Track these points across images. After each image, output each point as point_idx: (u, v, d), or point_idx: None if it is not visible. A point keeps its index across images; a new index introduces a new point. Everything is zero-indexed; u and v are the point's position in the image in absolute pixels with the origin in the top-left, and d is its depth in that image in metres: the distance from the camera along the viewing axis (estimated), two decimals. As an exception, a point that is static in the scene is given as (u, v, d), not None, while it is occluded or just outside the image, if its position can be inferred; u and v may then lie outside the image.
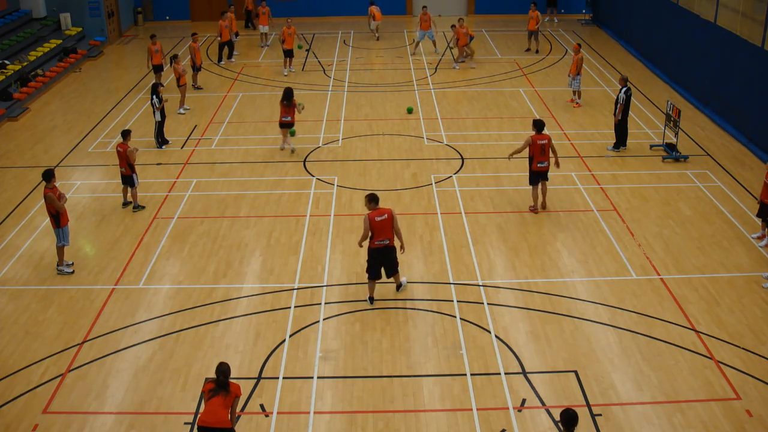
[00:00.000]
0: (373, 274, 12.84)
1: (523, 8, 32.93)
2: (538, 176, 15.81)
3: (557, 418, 10.34)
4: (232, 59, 28.11)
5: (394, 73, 26.68)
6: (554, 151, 15.78)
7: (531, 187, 16.02)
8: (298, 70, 26.88)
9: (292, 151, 19.25)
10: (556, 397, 10.77)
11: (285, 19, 27.00)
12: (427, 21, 28.16)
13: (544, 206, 16.06)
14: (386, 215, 12.47)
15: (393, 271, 12.97)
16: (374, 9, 31.20)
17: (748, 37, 19.92)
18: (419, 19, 28.72)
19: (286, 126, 19.31)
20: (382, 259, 12.75)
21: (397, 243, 12.81)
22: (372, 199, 12.67)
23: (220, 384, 9.09)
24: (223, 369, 9.13)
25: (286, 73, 26.15)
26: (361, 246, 12.99)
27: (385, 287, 13.51)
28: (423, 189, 17.30)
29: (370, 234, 12.52)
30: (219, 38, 27.73)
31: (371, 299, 12.97)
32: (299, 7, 34.18)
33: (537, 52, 28.69)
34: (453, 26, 27.36)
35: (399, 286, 13.24)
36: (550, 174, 17.88)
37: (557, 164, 15.97)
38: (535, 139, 15.55)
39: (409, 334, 12.22)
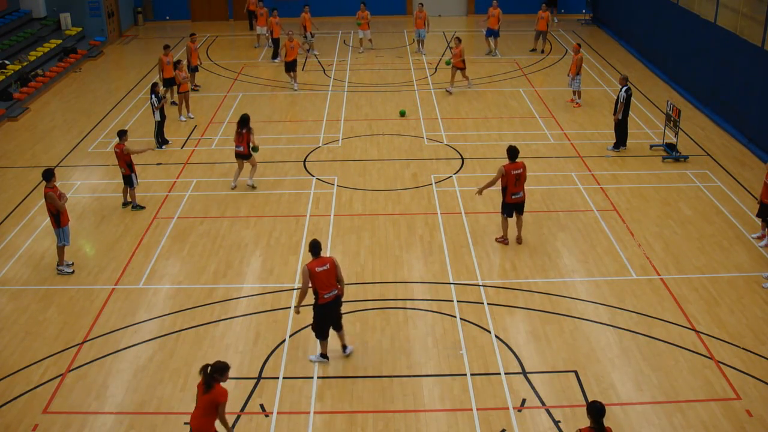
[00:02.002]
0: (323, 334, 11.32)
1: (523, 8, 32.99)
2: (512, 209, 14.48)
3: (557, 418, 10.35)
4: (277, 59, 27.67)
5: (394, 73, 26.68)
6: (524, 180, 14.39)
7: (503, 216, 14.60)
8: (297, 70, 26.79)
9: (253, 187, 17.33)
10: (556, 397, 10.77)
11: (286, 32, 25.88)
12: (422, 19, 28.09)
13: (519, 240, 14.74)
14: (328, 265, 10.91)
15: (340, 325, 11.43)
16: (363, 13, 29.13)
17: (748, 37, 19.92)
18: (414, 16, 28.70)
19: (241, 157, 17.11)
20: (332, 314, 11.22)
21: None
22: (311, 248, 11.02)
23: (206, 381, 8.77)
24: (216, 366, 8.82)
25: (295, 88, 24.73)
26: (297, 310, 11.24)
27: (385, 287, 13.52)
28: (423, 189, 17.30)
29: (310, 288, 10.94)
30: (270, 35, 27.73)
31: (325, 356, 11.48)
32: (299, 7, 34.13)
33: (543, 51, 28.67)
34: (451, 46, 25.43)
35: (345, 348, 11.60)
36: (548, 175, 17.86)
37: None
38: (508, 169, 14.09)
39: (409, 334, 12.22)
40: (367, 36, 29.18)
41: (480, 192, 14.78)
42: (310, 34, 28.42)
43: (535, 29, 28.70)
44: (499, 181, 14.25)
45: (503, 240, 14.77)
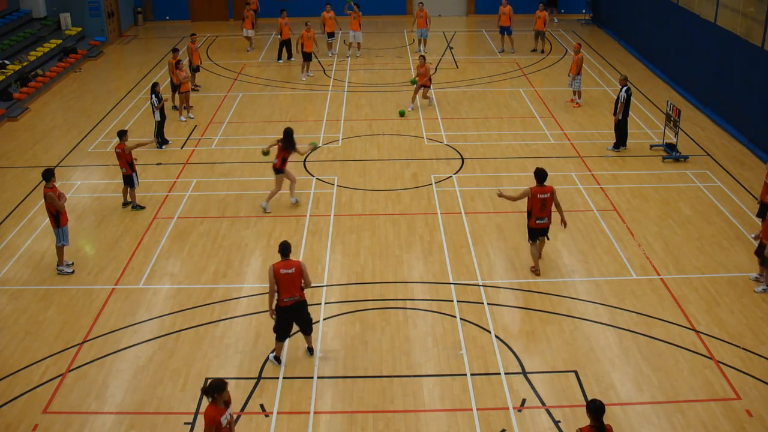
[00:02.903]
0: (281, 335, 11.28)
1: (523, 8, 32.95)
2: (536, 234, 13.57)
3: (557, 418, 10.35)
4: (292, 58, 27.73)
5: (394, 73, 26.68)
6: (559, 207, 13.36)
7: (529, 244, 13.74)
8: (297, 70, 26.80)
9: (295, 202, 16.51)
10: (556, 397, 10.77)
11: (304, 22, 26.24)
12: (423, 18, 28.06)
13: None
14: (293, 269, 10.82)
15: (309, 329, 11.42)
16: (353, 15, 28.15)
17: (748, 37, 19.92)
18: (415, 15, 28.68)
19: (274, 170, 16.14)
20: (294, 317, 11.17)
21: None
22: (280, 249, 10.98)
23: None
24: (211, 384, 8.56)
25: (303, 78, 25.59)
26: (271, 309, 11.06)
27: (385, 287, 13.52)
28: (423, 189, 17.30)
29: (276, 289, 10.88)
30: (279, 36, 27.56)
31: (277, 359, 11.45)
32: (299, 7, 34.14)
33: (542, 51, 28.64)
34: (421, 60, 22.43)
35: (311, 351, 11.63)
36: (548, 175, 17.86)
37: (564, 223, 13.58)
38: (535, 192, 13.11)
39: (409, 334, 12.22)
40: (358, 38, 28.53)
41: (500, 195, 13.76)
42: (328, 34, 28.11)
43: (534, 29, 28.71)
44: (526, 203, 13.43)
45: (536, 270, 13.76)
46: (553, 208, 13.39)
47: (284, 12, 27.36)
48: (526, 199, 13.38)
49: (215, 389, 8.51)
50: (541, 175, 13.25)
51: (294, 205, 16.45)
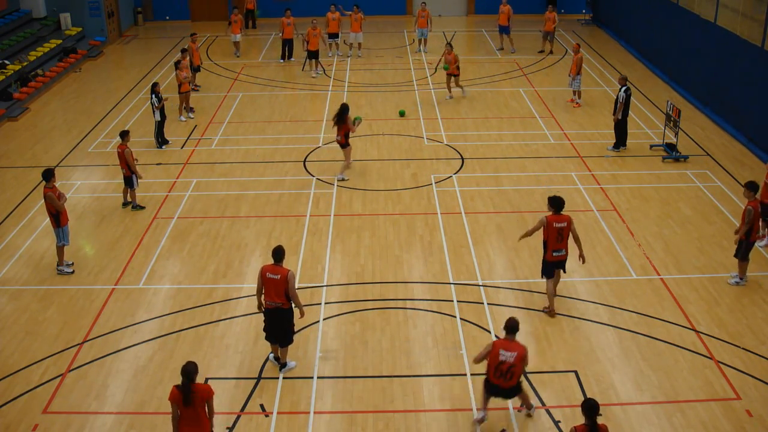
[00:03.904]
0: (267, 336, 11.30)
1: (523, 8, 32.99)
2: (553, 268, 12.50)
3: (557, 418, 10.35)
4: (293, 58, 27.86)
5: (394, 73, 26.68)
6: (577, 239, 12.32)
7: (544, 279, 12.63)
8: (298, 69, 26.85)
9: (342, 179, 17.57)
10: (556, 397, 10.78)
11: (310, 20, 26.60)
12: (425, 18, 28.08)
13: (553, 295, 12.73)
14: (279, 276, 10.67)
15: (284, 341, 11.20)
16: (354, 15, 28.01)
17: (748, 37, 19.92)
18: (417, 15, 28.70)
19: (342, 146, 17.66)
20: (273, 322, 11.04)
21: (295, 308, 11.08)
22: (273, 253, 10.90)
23: (185, 389, 8.61)
24: (187, 369, 8.67)
25: (314, 75, 25.94)
26: (259, 308, 11.09)
27: (385, 287, 13.52)
28: (423, 189, 17.30)
29: (261, 288, 10.89)
30: (280, 35, 27.58)
31: (277, 359, 11.42)
32: (299, 7, 34.12)
33: (551, 53, 28.58)
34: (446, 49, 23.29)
35: (282, 366, 11.33)
36: (548, 175, 17.82)
37: (582, 258, 12.44)
38: (550, 220, 12.14)
39: (409, 334, 12.22)
40: (359, 39, 28.46)
41: (520, 238, 13.00)
42: (330, 35, 28.03)
43: (543, 30, 28.66)
44: (540, 232, 12.37)
45: (549, 310, 12.66)
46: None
47: (288, 11, 27.35)
48: (541, 230, 12.31)
49: (194, 371, 8.72)
50: (557, 202, 12.24)
51: (340, 182, 17.48)
